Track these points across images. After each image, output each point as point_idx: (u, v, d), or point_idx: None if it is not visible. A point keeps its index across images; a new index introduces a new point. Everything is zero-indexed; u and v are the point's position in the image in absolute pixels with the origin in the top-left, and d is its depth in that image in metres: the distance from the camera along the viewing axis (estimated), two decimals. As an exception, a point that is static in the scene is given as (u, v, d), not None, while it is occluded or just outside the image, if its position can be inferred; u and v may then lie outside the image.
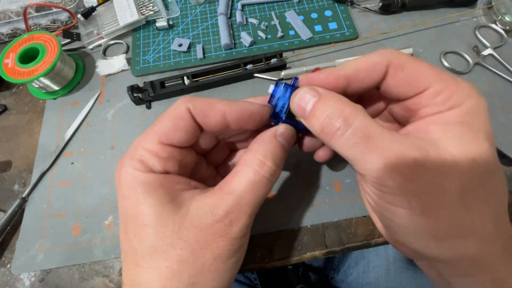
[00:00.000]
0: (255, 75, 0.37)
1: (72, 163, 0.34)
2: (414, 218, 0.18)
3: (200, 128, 0.22)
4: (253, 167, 0.20)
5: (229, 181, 0.20)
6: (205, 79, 0.37)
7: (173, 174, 0.21)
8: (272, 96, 0.22)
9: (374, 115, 0.26)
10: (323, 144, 0.25)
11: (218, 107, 0.21)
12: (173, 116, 0.20)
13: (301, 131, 0.23)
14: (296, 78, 0.22)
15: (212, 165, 0.26)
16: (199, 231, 0.19)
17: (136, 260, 0.19)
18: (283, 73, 0.37)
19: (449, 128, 0.19)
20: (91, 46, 0.41)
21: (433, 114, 0.19)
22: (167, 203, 0.19)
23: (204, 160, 0.25)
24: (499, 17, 0.40)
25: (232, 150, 0.27)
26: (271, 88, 0.22)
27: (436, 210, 0.17)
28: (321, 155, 0.25)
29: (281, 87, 0.22)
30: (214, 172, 0.26)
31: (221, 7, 0.42)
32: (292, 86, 0.22)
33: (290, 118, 0.22)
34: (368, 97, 0.25)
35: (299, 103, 0.20)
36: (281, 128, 0.21)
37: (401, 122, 0.24)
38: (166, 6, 0.44)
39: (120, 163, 0.20)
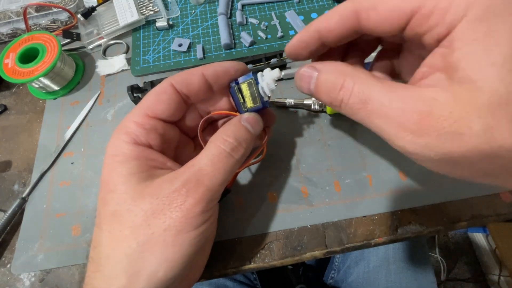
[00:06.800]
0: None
1: (72, 163, 0.34)
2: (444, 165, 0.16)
3: (185, 103, 0.24)
4: (216, 143, 0.21)
5: (194, 158, 0.21)
6: (205, 79, 0.37)
7: (155, 149, 0.22)
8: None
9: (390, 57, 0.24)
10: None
11: (196, 71, 0.23)
12: (157, 92, 0.23)
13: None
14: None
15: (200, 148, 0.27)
16: (155, 199, 0.20)
17: (99, 222, 0.21)
18: (283, 73, 0.37)
19: (461, 57, 0.15)
20: (91, 46, 0.41)
21: (436, 40, 0.16)
22: (137, 173, 0.20)
23: (191, 143, 0.27)
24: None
25: None
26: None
27: (461, 156, 0.15)
28: None
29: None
30: None
31: (221, 7, 0.42)
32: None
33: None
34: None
35: (301, 84, 0.21)
36: (246, 115, 0.24)
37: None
38: (166, 6, 0.44)
39: (112, 135, 0.22)
